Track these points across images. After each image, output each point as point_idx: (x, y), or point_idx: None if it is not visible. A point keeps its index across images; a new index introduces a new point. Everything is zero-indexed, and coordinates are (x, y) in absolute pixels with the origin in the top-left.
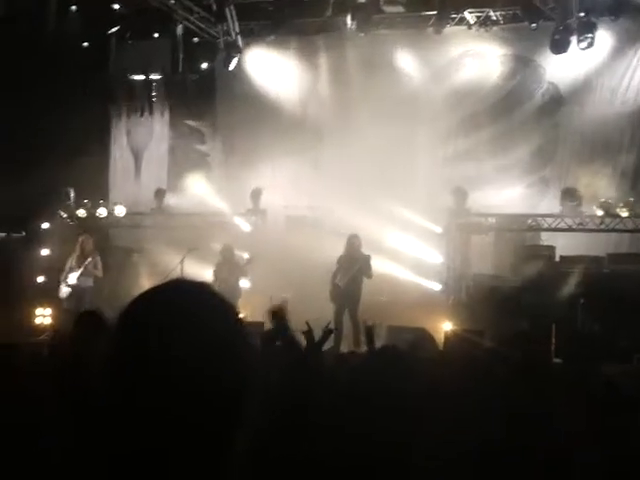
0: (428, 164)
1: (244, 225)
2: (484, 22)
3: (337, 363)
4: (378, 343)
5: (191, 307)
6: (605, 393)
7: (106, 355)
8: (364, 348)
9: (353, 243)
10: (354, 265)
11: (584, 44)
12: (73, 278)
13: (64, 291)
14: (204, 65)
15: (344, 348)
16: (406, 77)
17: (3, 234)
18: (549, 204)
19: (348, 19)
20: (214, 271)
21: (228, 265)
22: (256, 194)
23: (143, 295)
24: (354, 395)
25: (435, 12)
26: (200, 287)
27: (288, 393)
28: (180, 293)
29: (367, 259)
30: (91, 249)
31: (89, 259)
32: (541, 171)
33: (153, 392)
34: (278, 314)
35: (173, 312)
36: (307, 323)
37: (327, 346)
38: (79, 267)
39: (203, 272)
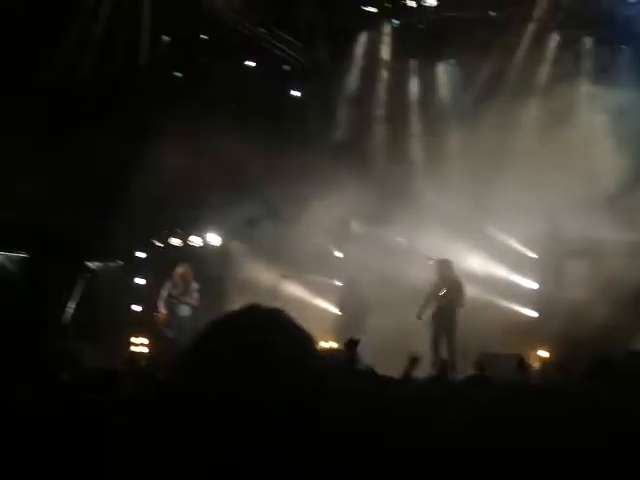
0: (523, 189)
1: (336, 252)
2: None
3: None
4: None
5: (265, 332)
6: None
7: (181, 379)
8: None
9: (443, 267)
10: (447, 290)
11: None
12: (184, 310)
13: (178, 318)
14: (293, 92)
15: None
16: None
17: (101, 263)
18: None
19: None
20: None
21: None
22: (347, 221)
23: (217, 320)
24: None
25: None
26: (275, 313)
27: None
28: (254, 319)
29: (459, 285)
30: (190, 278)
31: (192, 288)
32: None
33: (225, 418)
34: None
35: (246, 337)
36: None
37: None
38: (181, 296)
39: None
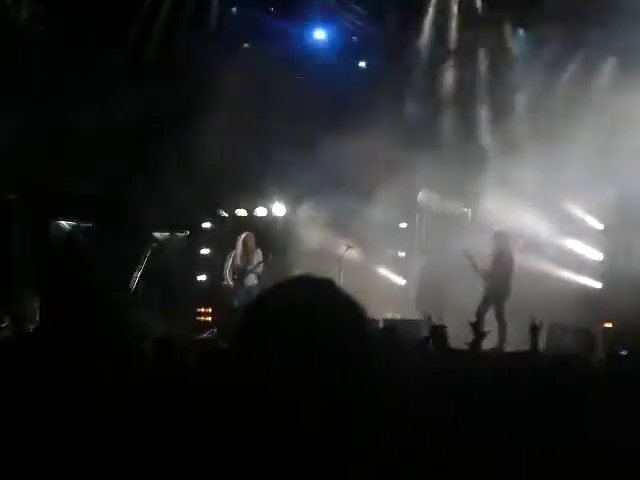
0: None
1: (401, 223)
2: None
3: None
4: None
5: (314, 302)
6: None
7: (235, 349)
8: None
9: (499, 240)
10: (498, 262)
11: None
12: (251, 279)
13: (245, 287)
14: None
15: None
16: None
17: (167, 234)
18: None
19: None
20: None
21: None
22: (415, 192)
23: (268, 291)
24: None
25: None
26: (325, 284)
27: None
28: (304, 289)
29: (511, 259)
30: (254, 247)
31: (257, 257)
32: None
33: (277, 387)
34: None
35: (296, 307)
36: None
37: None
38: (246, 266)
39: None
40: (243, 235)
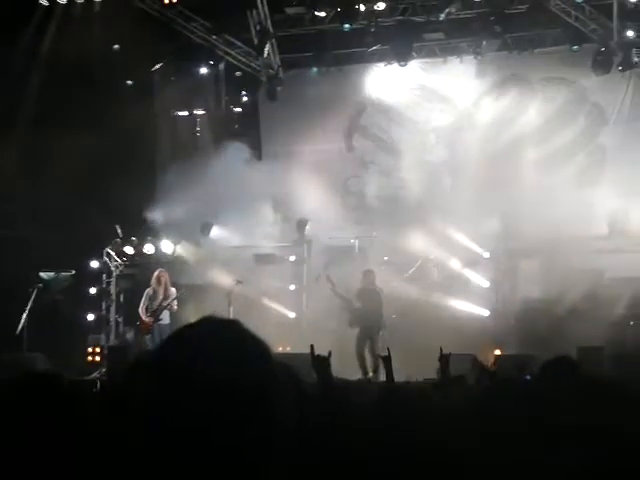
0: (475, 189)
1: (290, 256)
2: (525, 46)
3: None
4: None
5: (221, 345)
6: None
7: (141, 395)
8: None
9: (367, 277)
10: (366, 299)
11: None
12: (165, 316)
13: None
14: (246, 98)
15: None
16: (449, 105)
17: (52, 273)
18: (596, 226)
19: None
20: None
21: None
22: (301, 225)
23: (175, 333)
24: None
25: (474, 38)
26: (231, 325)
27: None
28: (210, 331)
29: (379, 294)
30: (169, 283)
31: (171, 294)
32: (587, 193)
33: (183, 433)
34: (322, 365)
35: (203, 351)
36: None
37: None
38: (160, 302)
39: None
40: (157, 272)
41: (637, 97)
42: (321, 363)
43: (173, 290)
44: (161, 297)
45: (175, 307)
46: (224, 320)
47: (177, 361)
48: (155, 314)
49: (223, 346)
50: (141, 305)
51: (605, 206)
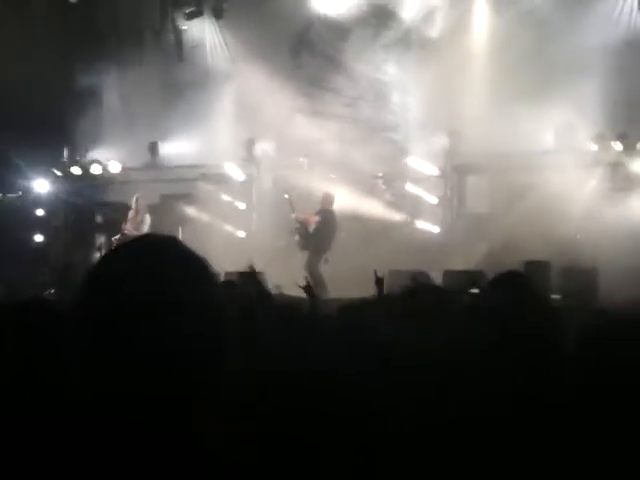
0: (423, 106)
1: (238, 175)
2: None
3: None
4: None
5: (159, 262)
6: None
7: (75, 310)
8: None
9: (326, 199)
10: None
11: None
12: None
13: None
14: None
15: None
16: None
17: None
18: (544, 141)
19: None
20: (129, 220)
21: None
22: (250, 143)
23: (112, 251)
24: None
25: None
26: (170, 242)
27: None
28: (149, 248)
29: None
30: (145, 209)
31: (146, 221)
32: (535, 108)
33: (119, 348)
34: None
35: (141, 267)
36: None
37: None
38: (134, 228)
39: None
40: (135, 196)
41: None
42: (247, 275)
43: (148, 217)
44: (136, 222)
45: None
46: (162, 237)
47: (114, 276)
48: (119, 239)
49: (162, 262)
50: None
51: (552, 121)
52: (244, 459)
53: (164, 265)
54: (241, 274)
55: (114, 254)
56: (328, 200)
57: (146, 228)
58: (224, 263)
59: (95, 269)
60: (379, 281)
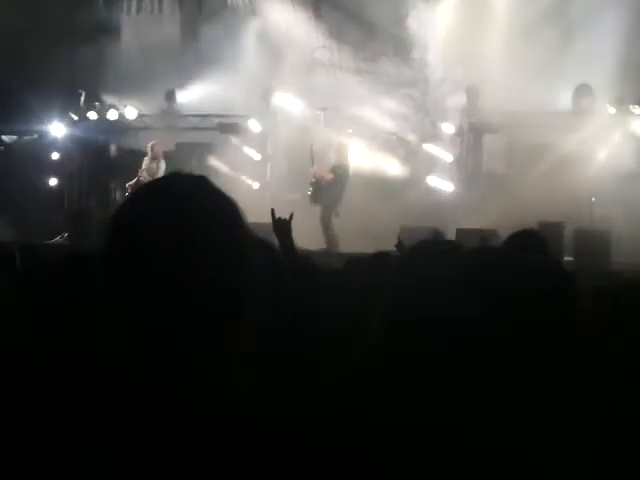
0: (442, 62)
1: (255, 125)
2: None
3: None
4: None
5: (185, 202)
6: None
7: (101, 251)
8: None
9: (339, 150)
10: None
11: None
12: None
13: None
14: None
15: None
16: None
17: (15, 137)
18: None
19: None
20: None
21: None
22: (267, 94)
23: (135, 192)
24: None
25: None
26: (199, 181)
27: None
28: (176, 187)
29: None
30: (160, 155)
31: (162, 165)
32: (553, 67)
33: (147, 290)
34: (283, 229)
35: (165, 207)
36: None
37: None
38: (149, 174)
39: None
40: (150, 143)
41: None
42: (282, 226)
43: (163, 163)
44: (152, 168)
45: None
46: (192, 176)
47: (144, 214)
48: (134, 185)
49: (193, 200)
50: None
51: (571, 82)
52: (275, 412)
53: (194, 206)
54: (276, 223)
55: (140, 193)
56: (342, 150)
57: (161, 174)
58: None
59: (121, 209)
60: (399, 245)
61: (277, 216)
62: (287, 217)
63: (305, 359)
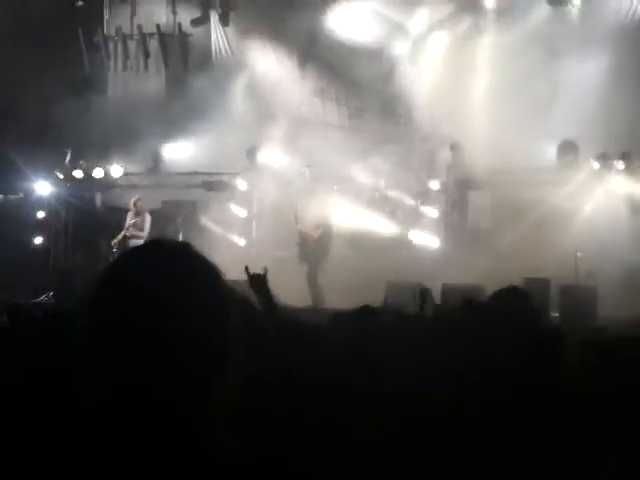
0: (427, 119)
1: (240, 183)
2: None
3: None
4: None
5: (170, 266)
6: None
7: (84, 313)
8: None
9: (324, 208)
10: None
11: None
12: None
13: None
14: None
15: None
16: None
17: (0, 195)
18: (546, 159)
19: None
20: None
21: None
22: (252, 152)
23: (123, 255)
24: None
25: None
26: (181, 247)
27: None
28: (159, 253)
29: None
30: (144, 210)
31: (147, 220)
32: (538, 125)
33: (129, 351)
34: (259, 284)
35: (151, 271)
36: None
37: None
38: (137, 228)
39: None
40: (133, 199)
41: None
42: (258, 282)
43: (149, 217)
44: (135, 223)
45: (145, 233)
46: (175, 242)
47: (126, 280)
48: (120, 241)
49: (175, 266)
50: (125, 228)
51: (555, 138)
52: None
53: (178, 271)
54: (252, 279)
55: (128, 256)
56: (325, 217)
57: (148, 227)
58: (224, 270)
59: (109, 270)
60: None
61: (252, 272)
62: (262, 273)
63: (293, 413)
